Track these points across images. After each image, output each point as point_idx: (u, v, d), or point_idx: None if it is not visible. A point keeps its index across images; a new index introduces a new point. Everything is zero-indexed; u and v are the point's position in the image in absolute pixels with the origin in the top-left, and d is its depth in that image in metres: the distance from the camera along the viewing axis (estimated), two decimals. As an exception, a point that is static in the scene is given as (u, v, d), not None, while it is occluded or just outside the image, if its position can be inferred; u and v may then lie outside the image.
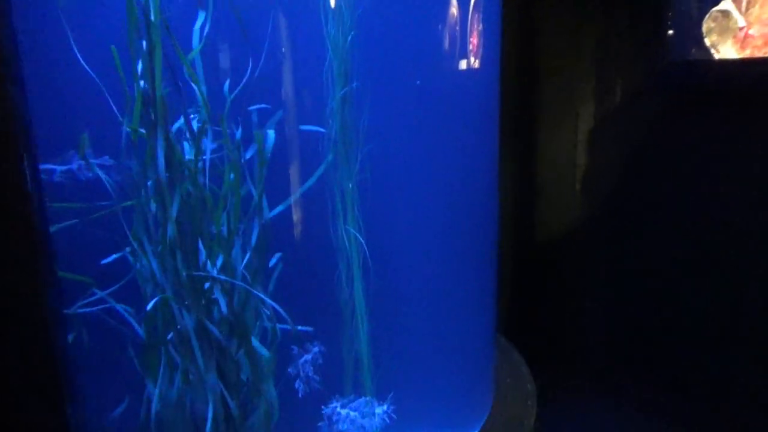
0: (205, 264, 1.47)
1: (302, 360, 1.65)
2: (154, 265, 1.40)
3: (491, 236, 1.89)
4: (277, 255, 1.57)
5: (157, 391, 1.44)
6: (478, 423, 1.92)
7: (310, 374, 1.63)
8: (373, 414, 1.62)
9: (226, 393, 1.47)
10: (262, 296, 1.50)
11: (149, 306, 1.37)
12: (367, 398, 1.63)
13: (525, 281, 2.64)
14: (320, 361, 1.56)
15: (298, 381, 1.66)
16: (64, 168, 1.41)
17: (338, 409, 1.54)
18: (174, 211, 1.37)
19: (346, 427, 1.57)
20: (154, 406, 1.45)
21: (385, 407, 1.62)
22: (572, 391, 2.39)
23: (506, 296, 2.12)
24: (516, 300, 2.63)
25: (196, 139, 1.37)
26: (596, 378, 2.37)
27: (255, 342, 1.56)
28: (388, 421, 1.61)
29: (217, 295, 1.46)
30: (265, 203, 1.57)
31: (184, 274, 1.40)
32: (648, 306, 2.32)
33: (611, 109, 2.25)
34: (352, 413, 1.56)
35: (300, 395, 1.54)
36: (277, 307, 1.51)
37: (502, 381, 2.10)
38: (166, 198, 1.36)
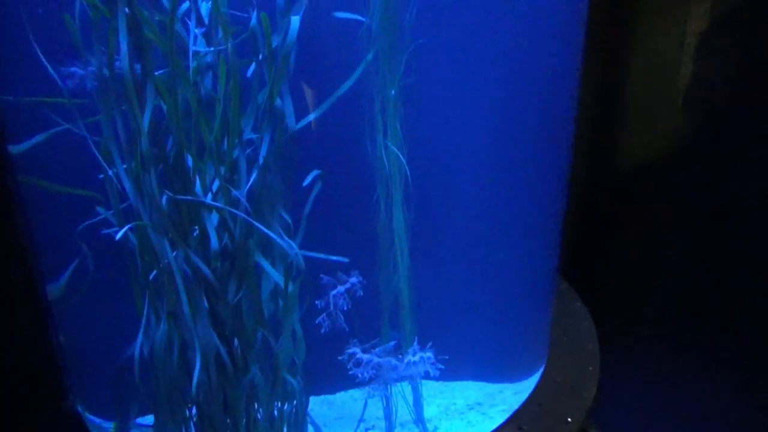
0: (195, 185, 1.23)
1: (335, 291, 1.41)
2: (127, 186, 1.16)
3: (562, 159, 1.58)
4: (314, 173, 1.32)
5: (140, 337, 1.23)
6: (524, 390, 1.66)
7: (345, 307, 1.40)
8: (410, 361, 1.38)
9: (219, 343, 1.25)
10: (262, 228, 1.25)
11: (118, 235, 1.14)
12: (393, 342, 1.39)
13: (596, 214, 2.31)
14: (360, 293, 1.35)
15: (324, 316, 1.43)
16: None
17: (359, 354, 1.31)
18: (147, 116, 1.12)
19: (373, 373, 1.35)
20: (137, 353, 1.24)
21: (425, 354, 1.38)
22: (637, 347, 2.09)
23: (571, 230, 1.81)
24: (582, 236, 2.31)
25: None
26: (668, 334, 2.06)
27: (273, 273, 1.32)
28: (429, 370, 1.37)
29: (209, 225, 1.22)
30: (290, 111, 1.31)
31: (164, 198, 1.16)
32: (735, 258, 1.97)
33: (735, 10, 1.81)
34: (377, 358, 1.33)
35: (323, 331, 1.34)
36: (277, 239, 1.26)
37: (558, 338, 1.81)
38: (132, 97, 1.10)
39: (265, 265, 1.33)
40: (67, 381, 1.50)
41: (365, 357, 1.32)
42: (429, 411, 1.64)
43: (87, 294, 1.35)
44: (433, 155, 1.40)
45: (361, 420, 1.56)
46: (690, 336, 1.93)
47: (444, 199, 1.45)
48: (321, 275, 1.33)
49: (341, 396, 1.67)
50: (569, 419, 1.55)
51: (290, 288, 1.37)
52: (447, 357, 1.36)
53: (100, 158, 1.19)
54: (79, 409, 1.51)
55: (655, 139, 2.04)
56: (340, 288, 1.39)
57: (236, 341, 1.30)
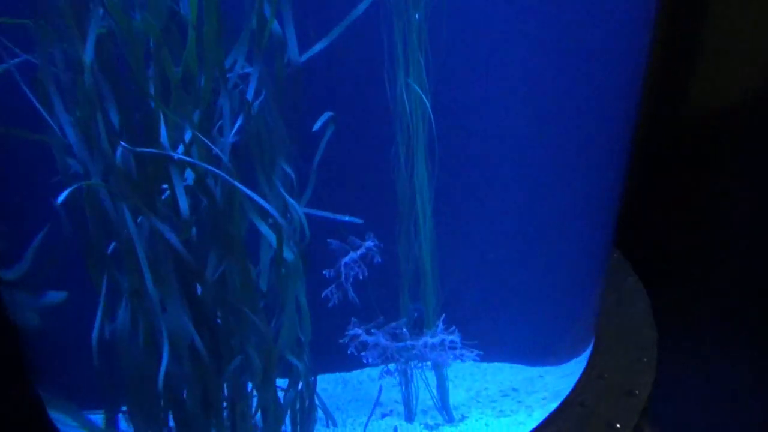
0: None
1: (346, 259, 1.19)
2: (70, 135, 0.95)
3: (626, 111, 1.34)
4: (326, 115, 1.14)
5: (98, 318, 1.04)
6: (567, 375, 1.42)
7: (361, 276, 1.18)
8: (430, 344, 1.17)
9: (193, 329, 1.05)
10: (247, 191, 1.03)
11: (60, 198, 0.93)
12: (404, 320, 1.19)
13: (658, 177, 2.03)
14: (378, 259, 1.20)
15: (332, 288, 1.23)
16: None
17: (363, 335, 1.11)
18: (91, 42, 0.90)
19: (379, 357, 1.15)
20: (95, 338, 1.05)
21: (449, 337, 1.16)
22: (699, 331, 1.81)
23: (629, 193, 1.53)
24: (641, 200, 2.03)
25: None
26: (735, 316, 1.78)
27: (267, 231, 1.11)
28: (452, 357, 1.16)
29: (178, 185, 1.01)
30: (292, 39, 1.09)
31: (118, 152, 0.95)
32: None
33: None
34: (384, 340, 1.12)
35: (330, 305, 1.20)
36: (265, 204, 1.05)
37: (608, 321, 1.54)
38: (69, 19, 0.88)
39: (262, 227, 1.12)
40: (29, 363, 1.32)
41: (370, 339, 1.12)
42: (456, 396, 1.44)
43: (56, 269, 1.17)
44: (466, 98, 1.17)
45: (376, 404, 1.36)
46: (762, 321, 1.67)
47: (478, 152, 1.24)
48: (330, 240, 1.19)
49: (357, 375, 1.48)
50: (618, 425, 1.31)
51: (292, 255, 1.17)
52: (476, 341, 1.15)
53: (36, 102, 0.98)
54: (41, 393, 1.34)
55: (727, 98, 1.75)
56: (353, 254, 1.21)
57: (219, 325, 1.10)
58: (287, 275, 1.21)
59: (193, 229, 1.06)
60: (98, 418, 1.16)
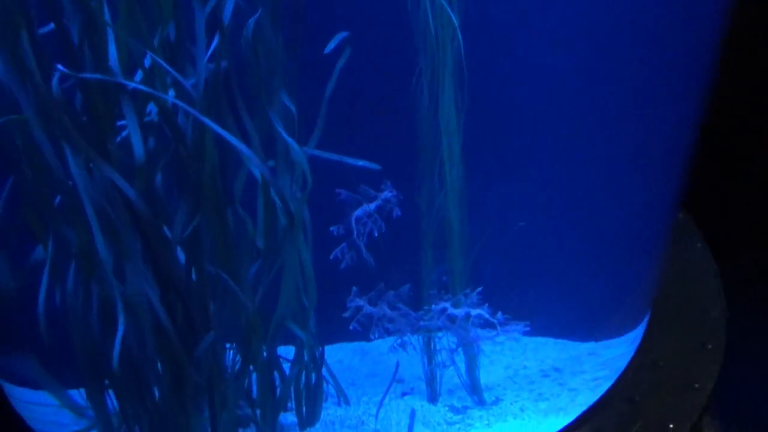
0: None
1: (358, 212, 1.05)
2: None
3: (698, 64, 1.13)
4: (340, 35, 0.99)
5: (44, 282, 0.86)
6: (617, 357, 1.20)
7: (375, 233, 1.05)
8: (453, 316, 0.97)
9: (156, 299, 0.86)
10: (219, 130, 0.83)
11: None
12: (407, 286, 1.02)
13: (738, 134, 1.76)
14: (397, 212, 1.04)
15: (342, 247, 1.05)
16: None
17: (367, 307, 0.93)
18: None
19: (382, 330, 0.98)
20: (41, 304, 0.88)
21: (474, 311, 0.97)
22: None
23: (705, 151, 1.29)
24: (718, 160, 1.76)
25: None
26: None
27: (257, 164, 0.93)
28: (475, 331, 0.97)
29: (131, 122, 0.81)
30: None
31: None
32: None
33: None
34: (389, 311, 0.94)
35: (342, 267, 1.03)
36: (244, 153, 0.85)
37: (668, 296, 1.30)
38: None
39: (254, 167, 0.93)
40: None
41: (375, 310, 0.93)
42: (491, 374, 1.26)
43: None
44: (505, 16, 0.95)
45: (393, 381, 1.18)
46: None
47: (518, 86, 1.07)
48: (338, 190, 1.03)
49: (378, 345, 1.28)
50: (671, 425, 1.08)
51: (293, 206, 0.98)
52: (509, 316, 0.96)
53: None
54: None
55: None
56: (367, 207, 1.05)
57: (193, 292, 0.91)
58: (287, 230, 1.02)
59: (158, 177, 0.88)
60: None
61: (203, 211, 0.90)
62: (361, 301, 0.99)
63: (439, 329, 1.01)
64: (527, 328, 1.05)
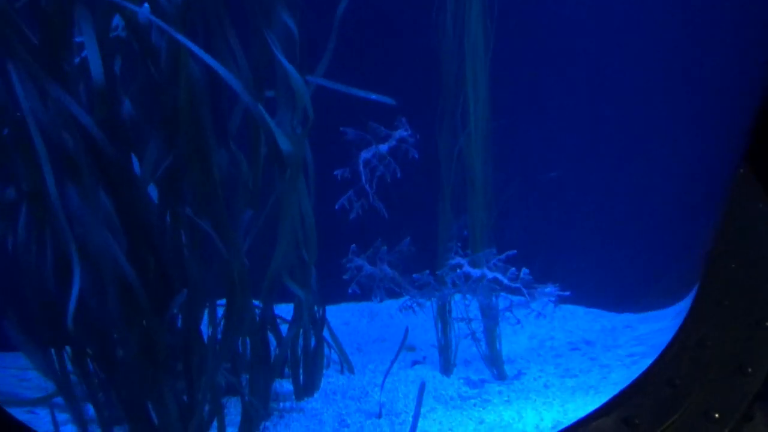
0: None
1: (367, 154, 0.93)
2: None
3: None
4: None
5: None
6: (655, 333, 1.06)
7: (389, 177, 0.93)
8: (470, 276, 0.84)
9: (118, 249, 0.72)
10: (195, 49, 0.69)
11: None
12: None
13: None
14: (414, 154, 0.92)
15: (350, 194, 0.92)
16: None
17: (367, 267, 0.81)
18: None
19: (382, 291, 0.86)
20: None
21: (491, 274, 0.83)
22: None
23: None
24: None
25: None
26: None
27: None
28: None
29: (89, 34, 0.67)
30: None
31: None
32: None
33: None
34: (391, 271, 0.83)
35: (352, 217, 0.92)
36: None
37: (721, 263, 1.14)
38: None
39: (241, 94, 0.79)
40: None
41: (375, 271, 0.80)
42: (514, 344, 1.15)
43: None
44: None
45: (401, 348, 1.05)
46: None
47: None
48: (344, 128, 0.92)
49: (388, 306, 1.20)
50: (716, 415, 0.93)
51: (289, 146, 0.85)
52: (526, 271, 0.81)
53: None
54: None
55: None
56: (378, 147, 0.93)
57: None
58: (284, 171, 0.89)
59: (126, 104, 0.74)
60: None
61: (180, 145, 0.76)
62: (360, 261, 0.86)
63: (453, 292, 0.87)
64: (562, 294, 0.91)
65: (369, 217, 0.95)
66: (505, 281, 0.82)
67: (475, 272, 0.83)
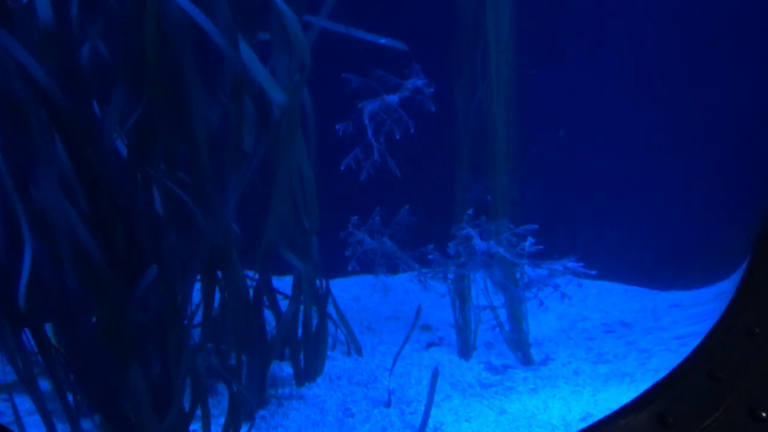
0: None
1: (375, 105, 0.82)
2: None
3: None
4: None
5: None
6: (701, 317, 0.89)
7: (397, 135, 0.82)
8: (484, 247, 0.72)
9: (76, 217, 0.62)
10: None
11: None
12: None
13: None
14: (431, 107, 0.81)
15: (357, 151, 0.82)
16: None
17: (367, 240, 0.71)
18: None
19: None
20: None
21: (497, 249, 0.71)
22: None
23: None
24: None
25: None
26: None
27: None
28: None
29: None
30: None
31: None
32: None
33: None
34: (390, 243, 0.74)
35: (362, 178, 0.82)
36: None
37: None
38: None
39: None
40: None
41: (375, 244, 0.71)
42: (542, 325, 1.03)
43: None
44: None
45: (414, 327, 0.95)
46: None
47: None
48: (346, 75, 0.81)
49: (404, 279, 1.07)
50: (764, 413, 0.80)
51: (282, 96, 0.74)
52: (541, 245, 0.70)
53: None
54: None
55: None
56: (388, 98, 0.82)
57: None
58: (277, 126, 0.78)
59: (86, 48, 0.63)
60: None
61: (151, 93, 0.65)
62: (362, 234, 0.75)
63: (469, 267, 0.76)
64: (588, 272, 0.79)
65: (377, 178, 0.84)
66: (509, 258, 0.70)
67: (482, 245, 0.72)
